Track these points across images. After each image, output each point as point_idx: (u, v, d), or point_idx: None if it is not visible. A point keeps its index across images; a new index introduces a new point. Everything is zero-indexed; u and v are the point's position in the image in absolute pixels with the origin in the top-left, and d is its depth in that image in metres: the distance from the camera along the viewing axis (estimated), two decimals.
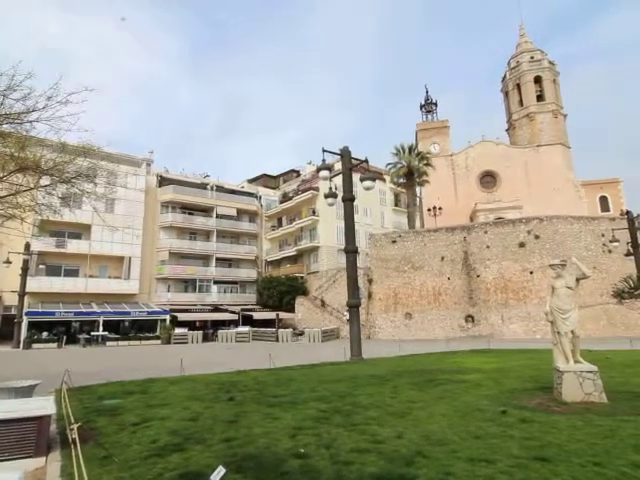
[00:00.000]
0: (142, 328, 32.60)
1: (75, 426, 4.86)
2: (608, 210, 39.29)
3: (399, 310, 29.62)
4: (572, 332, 6.72)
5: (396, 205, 48.44)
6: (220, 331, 31.92)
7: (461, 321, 27.98)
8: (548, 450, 4.26)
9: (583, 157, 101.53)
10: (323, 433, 5.13)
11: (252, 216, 45.49)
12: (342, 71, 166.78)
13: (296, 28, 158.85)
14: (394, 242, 30.92)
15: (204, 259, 40.77)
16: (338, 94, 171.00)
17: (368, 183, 14.83)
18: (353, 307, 14.69)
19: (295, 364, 12.95)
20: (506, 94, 48.16)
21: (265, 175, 53.49)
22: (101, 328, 30.10)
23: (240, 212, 43.69)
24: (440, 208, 41.04)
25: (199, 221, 40.93)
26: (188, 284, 39.30)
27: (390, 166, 37.98)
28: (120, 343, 29.29)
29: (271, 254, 44.98)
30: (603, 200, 40.75)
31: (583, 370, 6.47)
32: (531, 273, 26.75)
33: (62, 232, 32.61)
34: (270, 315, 35.22)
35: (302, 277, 39.75)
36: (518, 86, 45.70)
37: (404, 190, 39.39)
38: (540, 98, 44.31)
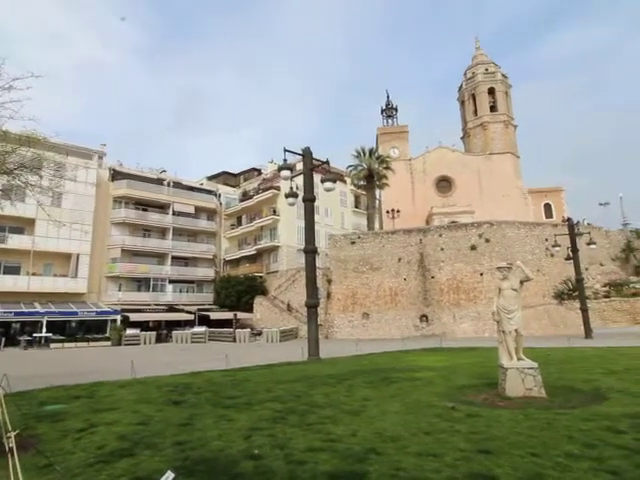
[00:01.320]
0: (90, 329, 31.10)
1: (12, 434, 4.56)
2: (552, 216, 41.88)
3: (357, 310, 30.06)
4: (516, 331, 7.12)
5: (356, 207, 49.14)
6: (175, 332, 31.03)
7: (416, 321, 28.82)
8: (491, 443, 4.49)
9: (532, 166, 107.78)
10: (278, 433, 5.13)
11: (211, 214, 44.55)
12: (306, 71, 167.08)
13: (262, 24, 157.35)
14: (353, 243, 31.35)
15: (159, 257, 39.45)
16: (302, 94, 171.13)
17: (329, 184, 14.95)
18: (311, 307, 14.76)
19: (252, 365, 12.84)
20: (462, 103, 50.13)
21: (225, 173, 52.56)
22: (44, 329, 28.38)
23: (198, 210, 42.67)
24: (398, 211, 42.06)
25: (154, 218, 39.56)
26: (141, 283, 37.87)
27: (351, 168, 38.50)
28: (66, 345, 27.77)
29: (230, 253, 44.26)
30: (547, 207, 43.39)
31: (525, 367, 6.87)
32: (481, 275, 28.01)
33: (2, 227, 30.46)
34: (228, 315, 34.67)
35: (261, 277, 39.43)
36: (473, 96, 47.71)
37: (364, 192, 40.07)
38: (493, 109, 46.51)
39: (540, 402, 6.39)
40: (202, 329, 31.70)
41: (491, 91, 46.79)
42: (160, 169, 44.54)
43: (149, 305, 36.03)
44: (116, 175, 38.37)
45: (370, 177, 36.88)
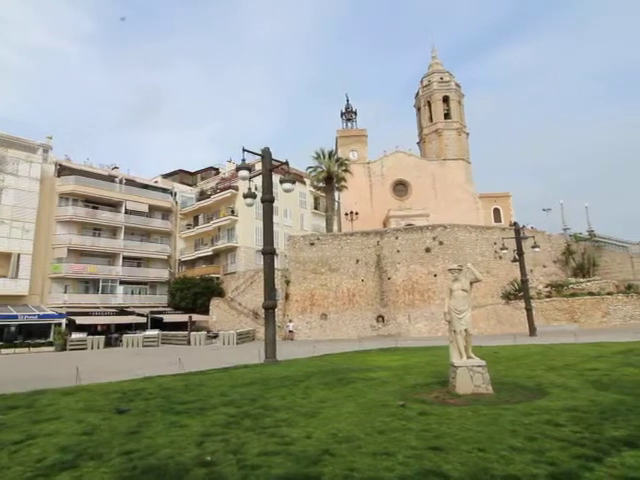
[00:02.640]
0: (32, 334, 29.11)
1: None
2: (500, 221, 44.07)
3: (315, 311, 30.17)
4: (466, 330, 7.42)
5: (316, 208, 49.34)
6: (125, 336, 29.69)
7: (373, 321, 29.33)
8: (442, 440, 4.64)
9: (486, 172, 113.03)
10: (232, 438, 5.03)
11: (166, 213, 43.11)
12: (268, 71, 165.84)
13: (224, 19, 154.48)
14: (312, 244, 31.45)
15: (109, 257, 37.67)
16: (263, 94, 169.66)
17: (288, 186, 14.89)
18: (269, 309, 14.63)
19: (207, 368, 12.52)
20: (418, 109, 51.71)
21: (182, 171, 51.11)
22: None
23: (152, 208, 41.15)
24: (357, 213, 42.66)
25: (105, 216, 37.73)
26: (89, 284, 36.01)
27: (311, 170, 38.63)
28: (3, 351, 25.85)
29: (185, 254, 43.05)
30: (496, 212, 45.64)
31: (474, 365, 7.17)
32: (435, 276, 28.97)
33: None
34: (182, 317, 33.65)
35: (218, 278, 38.64)
36: (429, 103, 49.34)
37: (323, 194, 40.32)
38: (447, 116, 48.32)
39: (487, 398, 6.68)
40: (155, 332, 30.58)
41: (445, 99, 48.59)
42: (112, 165, 42.60)
43: (98, 308, 34.28)
44: (63, 170, 36.24)
45: (329, 179, 37.18)
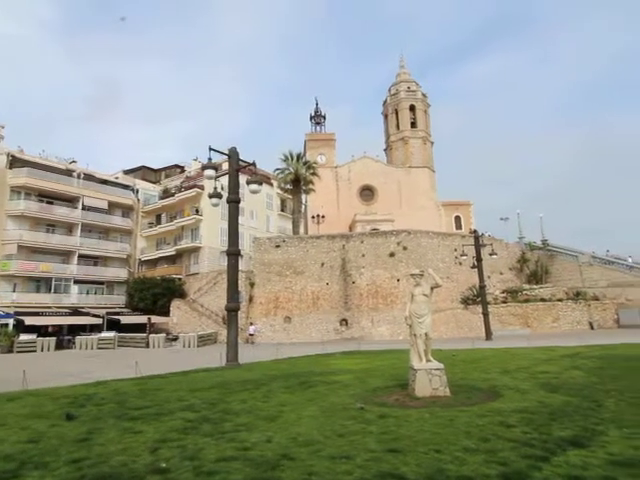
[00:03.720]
0: None
1: None
2: (461, 228, 45.60)
3: (279, 314, 29.99)
4: (426, 334, 7.59)
5: (282, 210, 49.13)
6: (79, 337, 28.32)
7: (336, 324, 29.50)
8: (400, 442, 4.72)
9: (447, 180, 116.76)
10: (189, 444, 4.90)
11: (127, 210, 41.58)
12: (238, 72, 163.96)
13: (194, 16, 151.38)
14: (278, 247, 31.29)
15: (64, 255, 35.89)
16: (232, 93, 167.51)
17: (254, 187, 14.76)
18: (231, 311, 14.41)
19: (165, 372, 12.15)
20: (386, 117, 52.74)
21: (145, 167, 49.45)
22: None
23: (112, 205, 39.60)
24: (323, 216, 42.88)
25: (60, 212, 35.93)
26: (41, 283, 34.13)
27: (278, 171, 38.49)
28: None
29: (147, 253, 41.68)
30: (457, 219, 47.20)
31: (432, 368, 7.35)
32: (398, 281, 29.53)
33: None
34: (141, 319, 32.48)
35: (180, 279, 37.66)
36: (396, 111, 50.44)
37: (291, 196, 40.24)
38: (414, 125, 49.57)
39: (445, 401, 6.86)
40: (111, 334, 29.34)
41: (412, 108, 49.84)
42: (70, 159, 40.64)
43: (50, 308, 32.52)
44: (15, 162, 34.23)
45: (297, 182, 37.17)
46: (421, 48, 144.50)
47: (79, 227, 36.66)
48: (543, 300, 29.91)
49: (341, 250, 30.75)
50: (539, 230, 38.98)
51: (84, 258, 36.73)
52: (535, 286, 32.74)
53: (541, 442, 4.54)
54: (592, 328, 28.41)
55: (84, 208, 37.06)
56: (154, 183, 46.60)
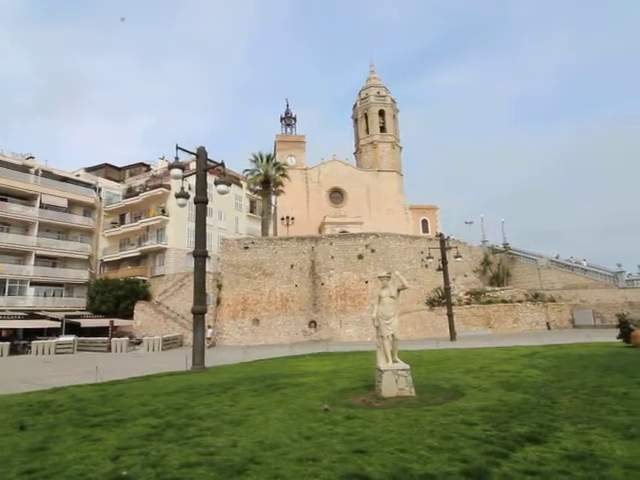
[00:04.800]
0: None
1: None
2: (428, 231, 46.60)
3: (247, 316, 29.67)
4: (392, 335, 7.72)
5: (251, 211, 48.71)
6: (35, 342, 26.96)
7: (305, 326, 29.48)
8: (366, 443, 4.77)
9: (415, 184, 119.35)
10: (151, 451, 4.76)
11: (88, 209, 40.05)
12: (208, 71, 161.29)
13: (160, 13, 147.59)
14: (247, 248, 30.97)
15: (19, 256, 34.16)
16: (201, 91, 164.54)
17: (223, 187, 14.56)
18: (198, 314, 14.12)
19: (127, 377, 11.76)
20: (356, 121, 53.27)
21: (108, 165, 47.74)
22: None
23: (73, 203, 38.04)
24: (293, 218, 42.77)
25: (15, 209, 34.18)
26: None
27: (248, 172, 38.14)
28: None
29: (109, 254, 40.25)
30: (424, 222, 48.24)
31: (399, 368, 7.48)
32: (366, 282, 29.86)
33: None
34: (103, 322, 31.34)
35: (145, 281, 36.58)
36: (366, 116, 51.04)
37: (260, 197, 39.96)
38: (383, 129, 50.30)
39: (410, 401, 6.99)
40: (70, 338, 28.09)
41: (381, 113, 50.59)
42: (26, 154, 38.70)
43: (3, 311, 30.80)
44: None
45: (266, 183, 36.95)
46: (390, 55, 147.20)
47: (36, 226, 34.99)
48: (504, 301, 31.07)
49: (310, 252, 30.79)
50: (501, 234, 40.51)
51: (42, 259, 35.08)
52: (497, 288, 33.97)
53: (500, 439, 4.71)
54: (549, 328, 29.77)
55: (42, 206, 35.42)
56: (118, 182, 45.09)
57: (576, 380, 8.29)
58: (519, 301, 31.28)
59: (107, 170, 46.69)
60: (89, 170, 45.13)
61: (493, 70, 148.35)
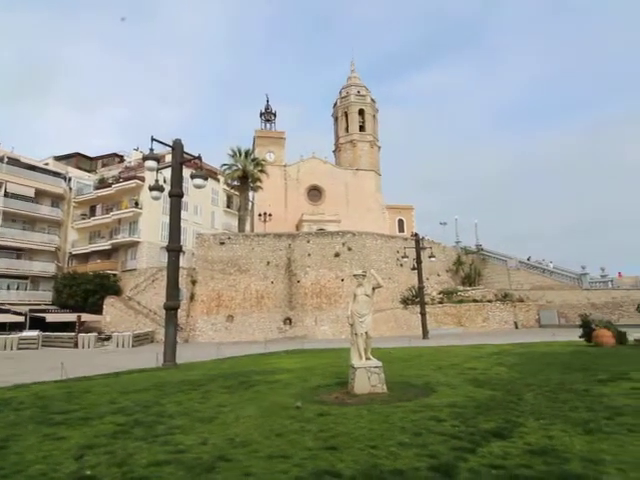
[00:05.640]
0: None
1: None
2: (403, 231, 47.28)
3: (221, 313, 29.35)
4: (366, 333, 7.79)
5: (228, 207, 48.13)
6: None
7: (280, 323, 29.41)
8: (337, 439, 4.79)
9: (392, 184, 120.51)
10: (118, 450, 4.64)
11: (57, 200, 38.64)
12: (186, 63, 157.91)
13: (138, 3, 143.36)
14: (222, 244, 30.60)
15: None
16: (178, 85, 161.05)
17: (199, 181, 14.32)
18: (170, 309, 13.86)
19: (95, 374, 11.44)
20: (336, 119, 53.38)
21: (79, 154, 46.23)
22: None
23: (40, 193, 36.63)
24: (270, 215, 42.55)
25: None
26: None
27: (225, 167, 37.67)
28: None
29: (78, 246, 38.99)
30: (400, 222, 48.90)
31: (371, 366, 7.55)
32: (342, 280, 30.02)
33: None
34: (70, 317, 30.33)
35: (115, 275, 35.65)
36: (346, 114, 51.23)
37: (237, 193, 39.54)
38: (362, 128, 50.62)
39: (382, 397, 7.07)
40: (34, 333, 27.03)
41: (361, 112, 50.89)
42: None
43: None
44: None
45: (244, 178, 36.59)
46: (370, 56, 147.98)
47: (0, 215, 33.48)
48: (475, 301, 31.87)
49: (287, 249, 30.70)
50: (474, 235, 41.50)
51: (5, 250, 33.68)
52: (468, 288, 34.79)
53: (468, 434, 4.82)
54: (517, 327, 30.73)
55: (7, 195, 34.00)
56: (89, 172, 43.71)
57: (540, 377, 8.58)
58: (489, 301, 32.14)
59: (78, 160, 45.18)
60: (59, 159, 43.55)
61: (472, 73, 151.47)
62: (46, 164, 40.22)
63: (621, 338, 14.68)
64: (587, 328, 15.61)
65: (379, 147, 52.01)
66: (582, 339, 15.69)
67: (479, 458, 4.07)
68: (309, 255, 30.60)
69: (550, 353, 12.95)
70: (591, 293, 31.33)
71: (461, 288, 34.58)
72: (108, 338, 27.30)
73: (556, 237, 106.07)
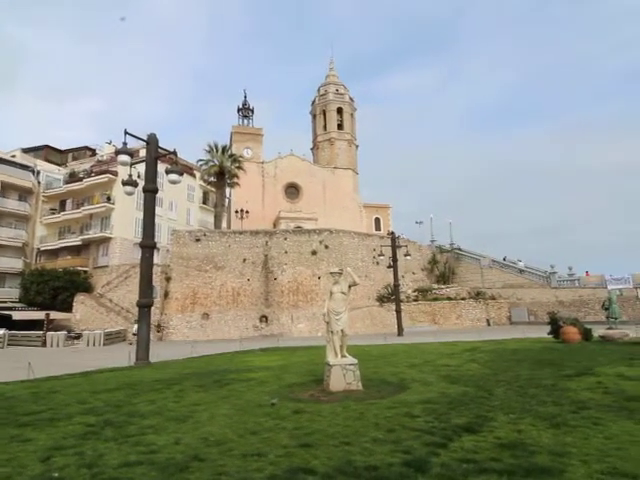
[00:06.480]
0: None
1: None
2: (380, 229, 47.72)
3: (196, 310, 28.94)
4: (342, 331, 7.83)
5: (204, 203, 47.44)
6: None
7: (256, 321, 29.23)
8: (312, 437, 4.80)
9: (369, 182, 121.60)
10: (87, 451, 4.51)
11: (24, 194, 37.19)
12: (162, 56, 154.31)
13: None
14: (198, 240, 30.15)
15: None
16: (153, 78, 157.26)
17: (174, 177, 14.05)
18: (143, 307, 13.57)
19: (64, 373, 11.09)
20: (314, 116, 53.33)
21: (49, 147, 44.58)
22: None
23: (7, 187, 35.23)
24: (247, 212, 42.18)
25: None
26: None
27: (202, 163, 37.11)
28: None
29: (47, 242, 37.68)
30: (377, 221, 49.35)
31: (347, 363, 7.60)
32: (319, 278, 30.08)
33: None
34: (38, 315, 29.30)
35: (86, 272, 34.64)
36: (324, 112, 51.24)
37: (214, 189, 39.00)
38: (340, 127, 50.75)
39: (357, 395, 7.12)
40: (0, 332, 26.01)
41: (339, 110, 51.01)
42: None
43: None
44: None
45: (221, 174, 36.12)
46: (348, 55, 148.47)
47: None
48: (449, 299, 32.51)
49: (264, 246, 30.52)
50: (449, 234, 42.29)
51: None
52: (443, 286, 35.44)
53: (440, 430, 4.91)
54: (489, 324, 31.51)
55: None
56: (59, 165, 42.25)
57: (511, 373, 8.83)
58: (463, 299, 32.84)
59: (47, 152, 43.58)
60: (27, 151, 41.88)
61: (446, 75, 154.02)
62: (13, 156, 38.63)
63: (587, 335, 15.25)
64: (555, 325, 16.14)
65: (357, 146, 52.29)
66: (550, 336, 16.22)
67: (451, 453, 4.15)
68: (286, 253, 30.51)
69: (520, 350, 13.33)
70: (559, 291, 32.43)
71: (436, 286, 35.19)
72: (78, 336, 26.52)
73: (525, 236, 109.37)
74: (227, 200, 42.91)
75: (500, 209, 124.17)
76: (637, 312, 26.43)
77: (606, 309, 16.30)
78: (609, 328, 15.49)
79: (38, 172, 38.57)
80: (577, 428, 4.79)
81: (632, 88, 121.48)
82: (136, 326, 26.09)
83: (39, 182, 38.36)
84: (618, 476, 3.41)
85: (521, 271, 36.05)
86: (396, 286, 26.97)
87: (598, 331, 15.45)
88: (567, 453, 4.00)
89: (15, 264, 34.92)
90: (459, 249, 40.26)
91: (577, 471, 3.55)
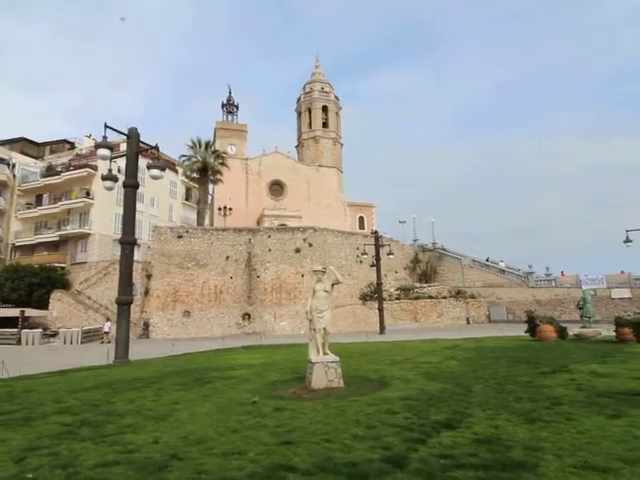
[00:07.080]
0: None
1: None
2: (364, 228, 48.00)
3: (178, 308, 28.60)
4: (324, 329, 7.86)
5: (187, 199, 46.84)
6: None
7: (239, 319, 29.07)
8: (293, 434, 4.81)
9: (354, 181, 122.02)
10: (63, 451, 4.42)
11: None
12: (144, 48, 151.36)
13: None
14: (180, 237, 29.78)
15: None
16: (135, 72, 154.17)
17: (156, 172, 13.84)
18: (123, 304, 13.34)
19: (39, 372, 10.82)
20: (299, 114, 53.22)
21: (25, 139, 43.29)
22: None
23: None
24: (231, 209, 41.85)
25: None
26: None
27: (184, 158, 36.63)
28: None
29: (22, 237, 36.66)
30: (361, 219, 49.61)
31: (329, 361, 7.64)
32: (302, 276, 30.08)
33: None
34: (12, 312, 28.48)
35: (63, 268, 33.81)
36: (309, 110, 51.19)
37: (197, 185, 38.56)
38: (325, 125, 50.80)
39: (339, 392, 7.16)
40: None
41: (324, 109, 51.05)
42: None
43: None
44: None
45: (204, 171, 35.74)
46: (334, 53, 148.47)
47: None
48: (430, 297, 32.95)
49: (247, 244, 30.34)
50: (431, 233, 42.80)
51: None
52: (424, 285, 35.89)
53: (419, 426, 4.98)
54: (468, 323, 32.07)
55: None
56: (36, 158, 41.10)
57: (489, 370, 9.01)
58: (444, 297, 33.33)
59: (24, 145, 42.32)
60: (2, 143, 40.59)
61: (432, 77, 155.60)
62: None
63: (562, 333, 15.66)
64: (532, 324, 16.51)
65: (342, 144, 52.43)
66: (527, 334, 16.60)
67: (429, 448, 4.22)
68: (270, 250, 30.41)
69: (498, 347, 13.61)
70: (536, 291, 33.22)
71: (418, 285, 35.61)
72: (55, 334, 25.93)
73: (505, 236, 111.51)
74: (210, 197, 42.48)
75: (483, 209, 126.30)
76: (610, 311, 27.32)
77: (580, 308, 16.73)
78: (583, 327, 15.93)
79: (13, 165, 37.48)
80: (551, 423, 4.92)
81: (605, 93, 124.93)
82: (108, 324, 25.67)
83: (14, 175, 37.27)
84: (589, 469, 3.52)
85: (502, 271, 36.77)
86: (379, 284, 27.18)
87: (573, 329, 15.88)
88: (541, 448, 4.10)
89: None
90: (442, 248, 40.80)
91: (550, 465, 3.65)
